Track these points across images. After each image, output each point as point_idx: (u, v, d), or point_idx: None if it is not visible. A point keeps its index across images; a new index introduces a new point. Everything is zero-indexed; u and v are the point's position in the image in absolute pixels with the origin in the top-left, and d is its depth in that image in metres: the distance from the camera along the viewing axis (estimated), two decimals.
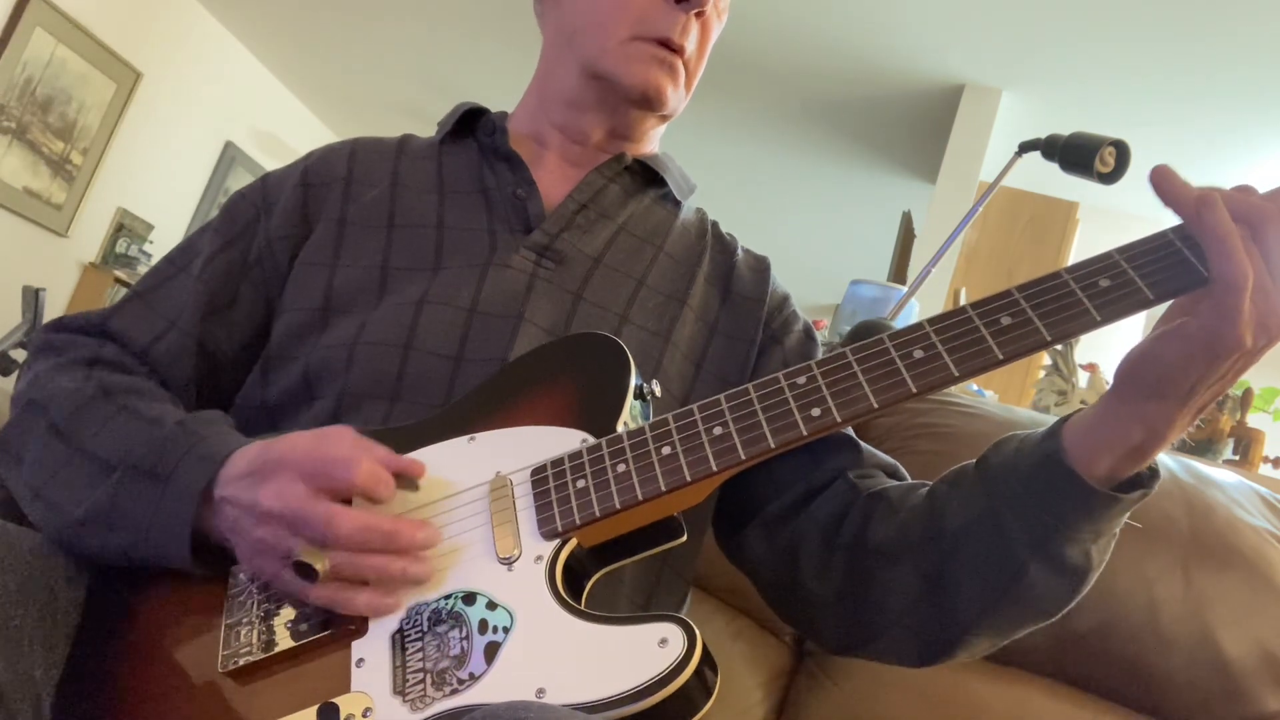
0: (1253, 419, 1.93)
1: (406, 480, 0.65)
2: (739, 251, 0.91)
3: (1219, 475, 1.14)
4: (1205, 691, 1.00)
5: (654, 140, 0.94)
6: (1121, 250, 0.59)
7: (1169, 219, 0.58)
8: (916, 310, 1.67)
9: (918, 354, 0.61)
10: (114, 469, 0.67)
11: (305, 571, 0.59)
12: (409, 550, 0.61)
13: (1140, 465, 0.60)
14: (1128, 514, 0.62)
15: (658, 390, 0.72)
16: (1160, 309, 0.59)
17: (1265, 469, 1.99)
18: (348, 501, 0.61)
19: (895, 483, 0.76)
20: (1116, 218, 3.79)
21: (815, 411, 0.62)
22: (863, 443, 0.81)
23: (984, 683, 1.06)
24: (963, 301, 0.68)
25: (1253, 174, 3.56)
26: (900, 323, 1.53)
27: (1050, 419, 1.25)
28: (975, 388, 1.76)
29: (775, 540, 0.76)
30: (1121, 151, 1.40)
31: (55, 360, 0.78)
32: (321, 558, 0.59)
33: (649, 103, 0.84)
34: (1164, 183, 0.56)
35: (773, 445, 0.62)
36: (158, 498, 0.64)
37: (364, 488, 0.61)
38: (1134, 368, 0.58)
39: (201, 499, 0.64)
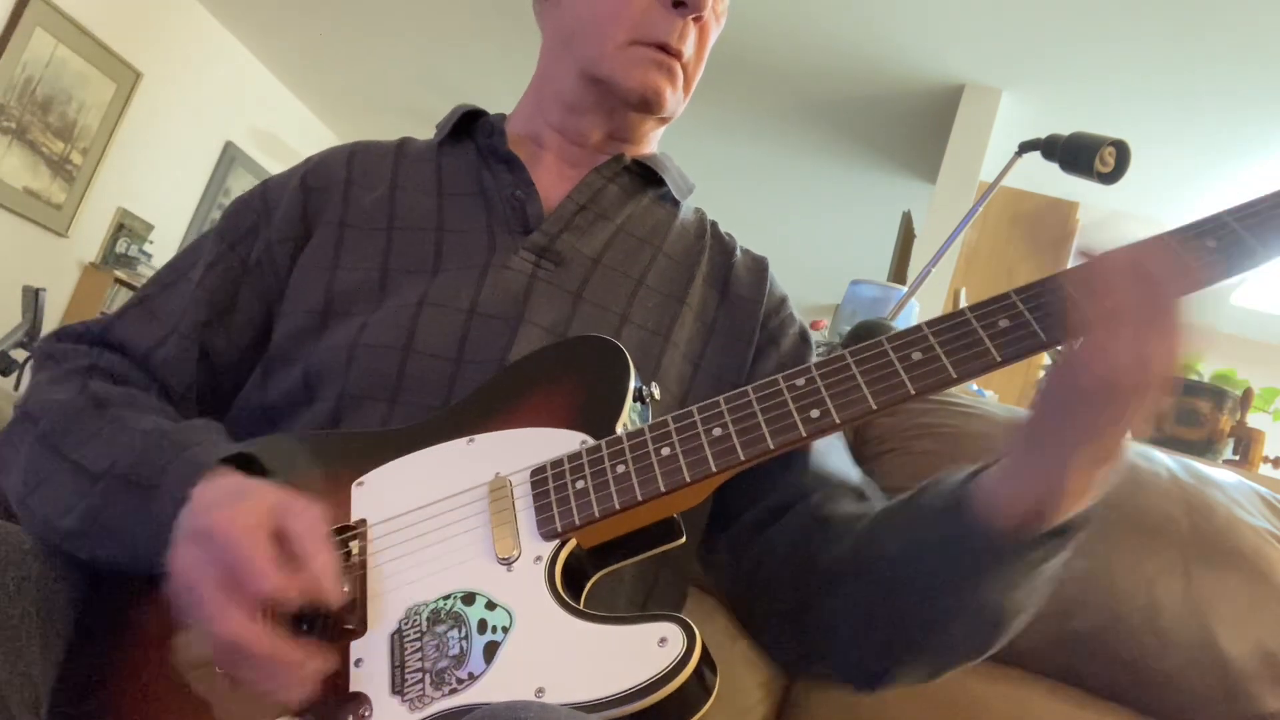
0: (1253, 419, 1.93)
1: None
2: (738, 252, 0.91)
3: (1219, 475, 1.14)
4: (1205, 691, 1.00)
5: (653, 141, 0.94)
6: None
7: (1170, 219, 0.58)
8: (916, 310, 1.67)
9: (916, 356, 0.61)
10: (99, 479, 0.67)
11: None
12: (284, 683, 0.55)
13: (1052, 522, 0.57)
14: (1049, 564, 0.59)
15: (657, 393, 0.72)
16: None
17: (1265, 469, 1.99)
18: None
19: (854, 507, 0.76)
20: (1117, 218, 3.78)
21: (814, 413, 0.62)
22: (835, 458, 0.81)
23: (984, 683, 1.06)
24: (963, 301, 0.68)
25: (1253, 174, 3.56)
26: (900, 323, 1.53)
27: None
28: (975, 387, 1.76)
29: (740, 556, 0.78)
30: (1121, 151, 1.40)
31: (53, 371, 0.79)
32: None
33: (648, 106, 0.84)
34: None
35: (772, 446, 0.62)
36: (143, 506, 0.64)
37: (270, 600, 0.55)
38: (1025, 426, 0.57)
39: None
